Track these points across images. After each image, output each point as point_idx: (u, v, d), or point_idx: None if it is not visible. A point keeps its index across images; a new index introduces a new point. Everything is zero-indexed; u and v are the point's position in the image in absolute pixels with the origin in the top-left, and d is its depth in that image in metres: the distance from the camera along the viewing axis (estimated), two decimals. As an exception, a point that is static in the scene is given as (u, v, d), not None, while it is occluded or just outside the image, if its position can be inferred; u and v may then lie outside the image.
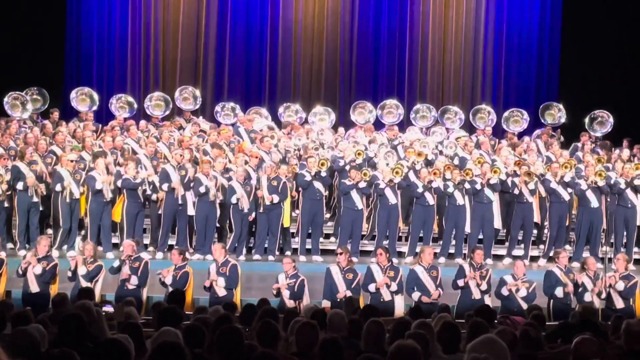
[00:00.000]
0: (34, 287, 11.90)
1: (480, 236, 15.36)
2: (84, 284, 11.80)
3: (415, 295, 12.04)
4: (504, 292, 12.01)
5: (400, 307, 11.79)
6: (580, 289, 12.25)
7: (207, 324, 7.26)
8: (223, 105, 19.00)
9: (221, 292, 11.92)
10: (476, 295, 12.09)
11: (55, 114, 17.91)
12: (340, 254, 12.24)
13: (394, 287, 11.98)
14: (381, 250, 12.45)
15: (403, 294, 12.11)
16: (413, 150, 16.15)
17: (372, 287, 11.98)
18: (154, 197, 15.06)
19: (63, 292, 10.94)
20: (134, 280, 12.05)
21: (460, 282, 12.19)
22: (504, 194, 15.56)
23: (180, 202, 14.86)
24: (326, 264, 12.72)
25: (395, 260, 14.65)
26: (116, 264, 12.27)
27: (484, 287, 12.12)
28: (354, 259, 14.73)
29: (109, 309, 9.49)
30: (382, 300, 11.75)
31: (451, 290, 12.36)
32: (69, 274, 12.12)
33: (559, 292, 12.16)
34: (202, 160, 15.39)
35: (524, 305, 11.78)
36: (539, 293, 12.21)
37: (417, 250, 13.96)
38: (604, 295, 12.22)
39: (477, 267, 12.30)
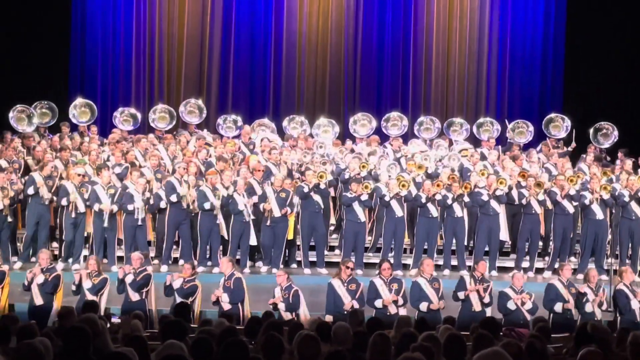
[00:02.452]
0: (38, 300, 11.96)
1: (486, 248, 15.37)
2: (90, 297, 11.84)
3: (423, 305, 11.98)
4: (511, 305, 11.93)
5: None
6: (584, 299, 12.23)
7: (212, 337, 7.25)
8: (225, 118, 18.97)
9: (226, 306, 11.95)
10: (477, 307, 12.07)
11: (65, 128, 17.91)
12: (346, 267, 12.21)
13: (400, 301, 11.95)
14: (387, 264, 12.41)
15: (406, 306, 12.08)
16: (414, 162, 16.16)
17: (378, 303, 11.92)
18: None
19: (69, 305, 10.97)
20: (136, 295, 12.08)
21: (461, 295, 12.17)
22: (509, 206, 15.55)
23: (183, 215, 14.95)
24: (331, 276, 12.70)
25: (400, 273, 14.71)
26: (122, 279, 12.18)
27: (487, 299, 12.11)
28: (359, 272, 14.80)
29: (116, 320, 9.49)
30: (388, 313, 11.69)
31: (452, 302, 12.31)
32: (73, 287, 12.15)
33: (558, 307, 12.13)
34: (208, 172, 15.43)
35: (529, 317, 11.79)
36: (541, 306, 12.22)
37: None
38: (604, 307, 12.24)
39: (478, 279, 12.29)
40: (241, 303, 12.10)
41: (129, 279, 12.09)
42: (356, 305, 11.77)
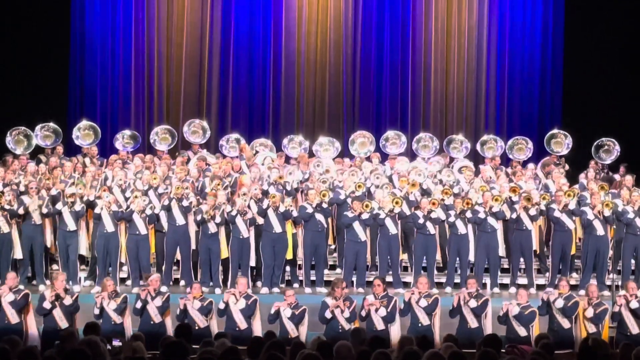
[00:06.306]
0: (63, 323, 11.82)
1: (486, 265, 15.35)
2: (116, 319, 11.88)
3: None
4: (501, 314, 12.07)
5: (396, 336, 11.67)
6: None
7: (214, 357, 7.22)
8: (227, 139, 18.98)
9: (243, 325, 12.04)
10: (472, 324, 12.10)
11: (60, 149, 17.89)
12: (342, 288, 12.28)
13: (383, 312, 11.99)
14: (379, 281, 12.49)
15: (396, 323, 12.16)
16: (406, 179, 16.14)
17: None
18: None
19: (71, 327, 10.92)
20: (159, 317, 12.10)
21: (451, 307, 12.24)
22: (505, 222, 15.54)
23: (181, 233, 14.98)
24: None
25: (401, 291, 14.66)
26: (139, 304, 12.13)
27: (472, 304, 12.10)
28: (361, 290, 14.78)
29: (118, 343, 9.45)
30: (374, 329, 11.77)
31: (449, 320, 12.41)
32: (96, 311, 11.99)
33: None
34: (209, 192, 15.41)
35: (521, 332, 11.87)
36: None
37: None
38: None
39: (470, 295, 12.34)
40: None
41: (157, 302, 12.09)
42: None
